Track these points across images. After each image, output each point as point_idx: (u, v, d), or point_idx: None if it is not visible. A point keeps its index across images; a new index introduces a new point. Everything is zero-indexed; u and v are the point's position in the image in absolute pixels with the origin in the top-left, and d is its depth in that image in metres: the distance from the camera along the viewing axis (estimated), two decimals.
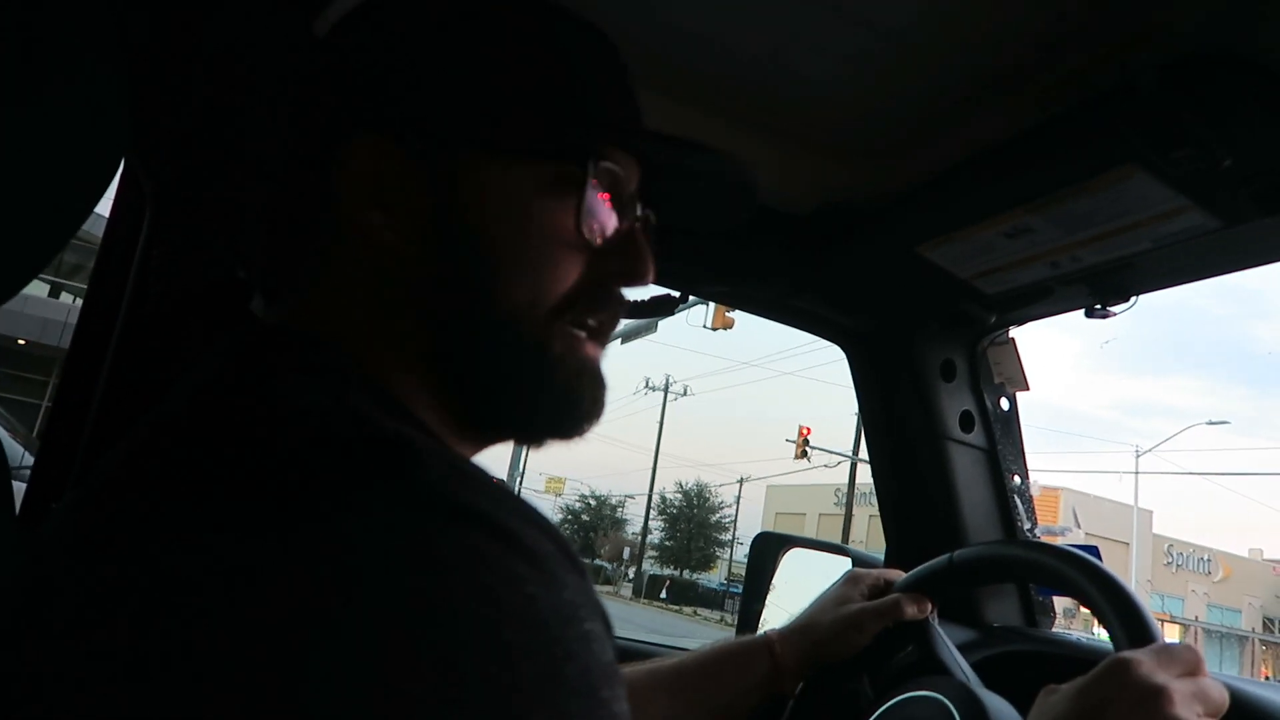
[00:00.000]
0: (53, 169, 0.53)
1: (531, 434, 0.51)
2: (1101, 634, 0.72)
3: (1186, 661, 0.58)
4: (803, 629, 0.87)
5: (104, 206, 0.72)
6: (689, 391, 35.36)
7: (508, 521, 0.34)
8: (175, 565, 0.32)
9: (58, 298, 16.31)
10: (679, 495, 39.65)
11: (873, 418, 1.29)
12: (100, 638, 0.31)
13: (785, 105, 0.88)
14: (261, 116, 0.49)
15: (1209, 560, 30.90)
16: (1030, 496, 1.24)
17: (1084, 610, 0.71)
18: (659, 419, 34.24)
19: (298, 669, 0.29)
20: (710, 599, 33.36)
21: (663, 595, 34.28)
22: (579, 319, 0.49)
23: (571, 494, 43.78)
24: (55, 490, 0.85)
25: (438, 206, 0.47)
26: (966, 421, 1.21)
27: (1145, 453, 26.82)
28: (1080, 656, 0.98)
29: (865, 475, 22.77)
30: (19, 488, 0.65)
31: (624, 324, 0.69)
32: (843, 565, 1.17)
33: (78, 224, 0.55)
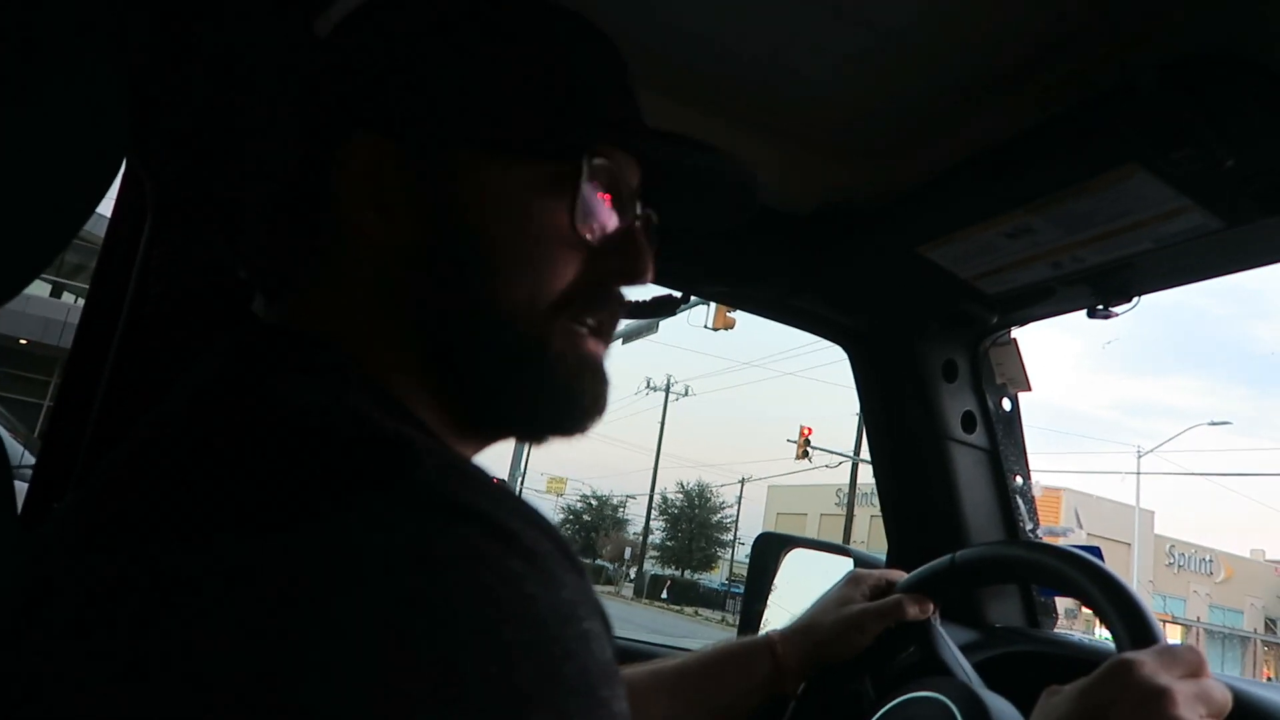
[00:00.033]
0: (54, 169, 0.53)
1: (533, 431, 0.51)
2: (1103, 634, 0.72)
3: (1189, 663, 0.58)
4: (804, 629, 0.87)
5: (106, 207, 0.72)
6: (690, 392, 35.40)
7: (507, 521, 0.34)
8: (175, 565, 0.32)
9: (59, 297, 16.34)
10: (680, 495, 39.67)
11: (874, 418, 1.29)
12: (100, 638, 0.31)
13: (785, 105, 0.88)
14: (262, 116, 0.49)
15: (1211, 561, 30.87)
16: (1032, 497, 1.24)
17: (1085, 610, 0.71)
18: (660, 419, 34.30)
19: (297, 669, 0.29)
20: (711, 599, 33.36)
21: (664, 595, 34.27)
22: (578, 317, 0.49)
23: (573, 494, 43.84)
24: (57, 490, 0.85)
25: (436, 206, 0.47)
26: (968, 422, 1.21)
27: (1147, 453, 26.84)
28: (1082, 657, 0.98)
29: (866, 476, 22.78)
30: (20, 488, 0.65)
31: (625, 324, 0.69)
32: (844, 566, 1.17)
33: (79, 224, 0.55)
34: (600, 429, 0.53)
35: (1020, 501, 1.22)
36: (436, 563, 0.32)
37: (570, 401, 0.49)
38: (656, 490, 36.64)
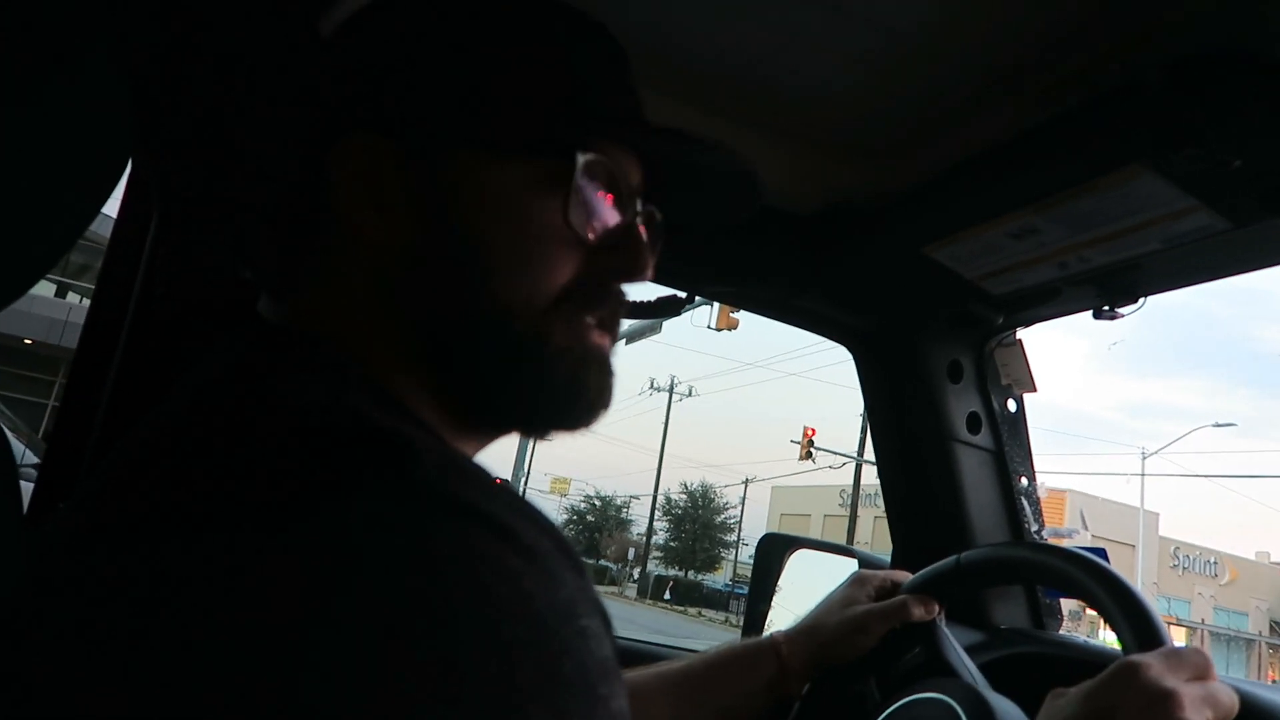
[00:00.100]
0: (58, 170, 0.53)
1: (535, 427, 0.51)
2: (1108, 636, 0.72)
3: (1195, 665, 0.58)
4: (809, 630, 0.87)
5: (111, 207, 0.72)
6: (694, 392, 35.37)
7: (506, 519, 0.34)
8: (175, 564, 0.32)
9: (64, 298, 16.39)
10: (684, 496, 39.65)
11: (879, 419, 1.29)
12: (101, 637, 0.31)
13: (787, 105, 0.88)
14: (263, 116, 0.49)
15: (1215, 563, 30.76)
16: (1037, 498, 1.24)
17: (1089, 612, 0.71)
18: (664, 420, 34.30)
19: (296, 667, 0.29)
20: (715, 600, 33.33)
21: (667, 596, 34.25)
22: (579, 314, 0.49)
23: (576, 494, 43.85)
24: (63, 490, 0.85)
25: (435, 205, 0.47)
26: (973, 423, 1.21)
27: (1151, 455, 26.75)
28: (1088, 659, 0.98)
29: (870, 476, 22.74)
30: (26, 487, 0.65)
31: (628, 325, 0.69)
32: (849, 566, 1.17)
33: (84, 225, 0.55)
34: (604, 429, 0.53)
35: (1025, 503, 1.22)
36: (436, 561, 0.32)
37: (574, 395, 0.49)
38: (660, 491, 36.68)
